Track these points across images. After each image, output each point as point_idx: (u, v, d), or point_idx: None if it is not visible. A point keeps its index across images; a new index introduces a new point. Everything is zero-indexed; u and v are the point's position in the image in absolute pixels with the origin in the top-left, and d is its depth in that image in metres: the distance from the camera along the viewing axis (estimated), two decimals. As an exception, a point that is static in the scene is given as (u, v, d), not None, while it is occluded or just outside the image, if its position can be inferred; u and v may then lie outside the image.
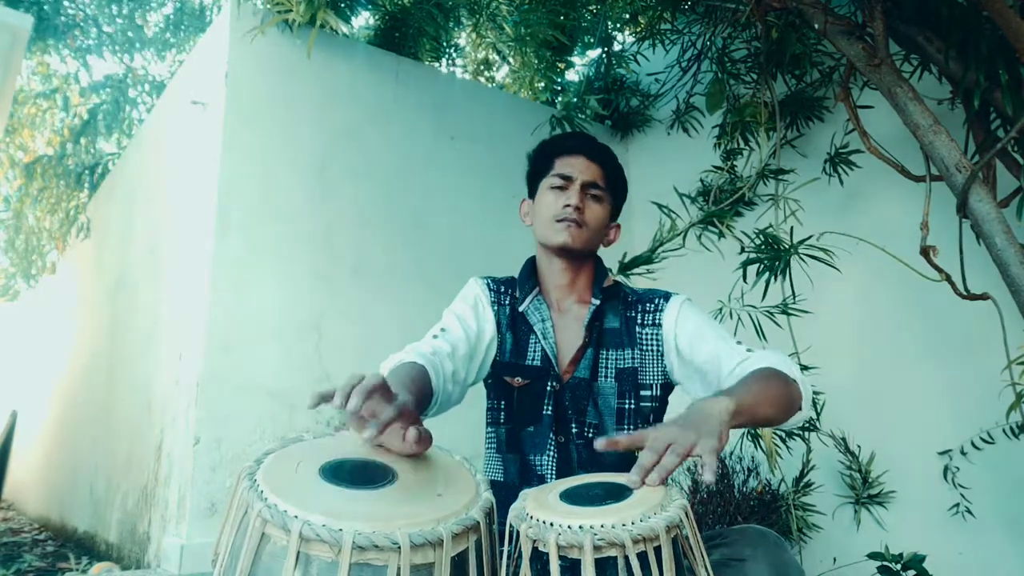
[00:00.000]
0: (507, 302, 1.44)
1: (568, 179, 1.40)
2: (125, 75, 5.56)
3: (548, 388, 1.36)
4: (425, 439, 0.94)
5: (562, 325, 1.41)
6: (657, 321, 1.39)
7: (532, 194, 1.49)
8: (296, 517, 0.76)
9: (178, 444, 2.64)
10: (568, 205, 1.37)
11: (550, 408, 1.36)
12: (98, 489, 3.76)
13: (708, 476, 0.91)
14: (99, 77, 5.71)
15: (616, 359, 1.39)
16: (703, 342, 1.34)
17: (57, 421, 5.30)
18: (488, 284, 1.45)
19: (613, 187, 1.45)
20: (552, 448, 1.34)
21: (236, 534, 0.83)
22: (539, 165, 1.47)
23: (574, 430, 1.35)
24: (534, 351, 1.40)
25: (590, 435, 1.34)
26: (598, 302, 1.40)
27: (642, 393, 1.37)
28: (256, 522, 0.79)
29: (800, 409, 1.22)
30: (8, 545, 4.19)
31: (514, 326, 1.42)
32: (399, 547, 0.76)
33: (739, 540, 1.14)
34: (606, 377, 1.37)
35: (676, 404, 1.44)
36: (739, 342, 1.32)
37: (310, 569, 0.76)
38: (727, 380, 1.26)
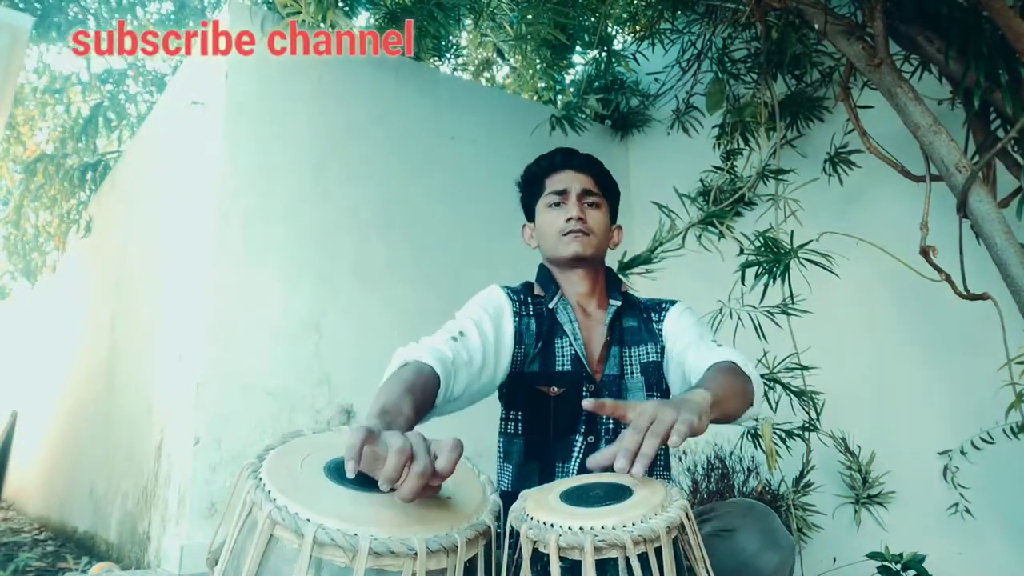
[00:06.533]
0: (529, 311, 1.42)
1: (563, 193, 1.45)
2: (126, 70, 5.55)
3: (584, 393, 1.37)
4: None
5: (587, 326, 1.44)
6: (662, 319, 1.47)
7: (531, 218, 1.52)
8: (309, 520, 0.75)
9: (178, 444, 2.64)
10: (571, 218, 1.42)
11: (585, 412, 1.35)
12: (98, 489, 3.76)
13: (674, 439, 0.92)
14: (99, 71, 5.66)
15: (639, 355, 1.44)
16: (684, 335, 1.40)
17: (57, 421, 5.30)
18: (509, 294, 1.43)
19: (606, 191, 1.50)
20: (579, 451, 1.35)
21: (239, 534, 0.80)
22: (531, 188, 1.51)
23: (611, 426, 1.36)
24: (562, 356, 1.40)
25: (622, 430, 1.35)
26: (618, 303, 1.45)
27: (663, 386, 1.43)
28: (265, 524, 0.76)
29: (752, 404, 1.25)
30: (8, 545, 4.19)
31: (539, 334, 1.41)
32: (415, 553, 0.75)
33: (729, 512, 1.18)
34: (632, 373, 1.42)
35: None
36: (714, 340, 1.37)
37: (321, 574, 0.74)
38: (692, 370, 1.30)
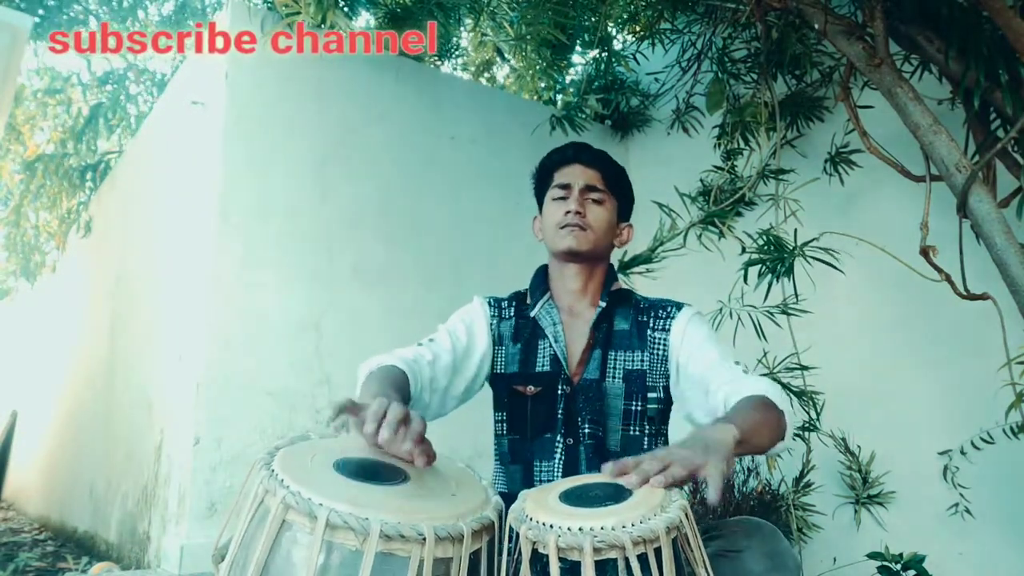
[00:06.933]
0: (511, 315, 1.47)
1: (567, 187, 1.45)
2: (126, 70, 5.55)
3: (559, 392, 1.38)
4: (431, 458, 0.96)
5: (572, 328, 1.43)
6: (667, 327, 1.40)
7: (541, 210, 1.54)
8: (321, 504, 0.76)
9: (178, 444, 2.64)
10: (569, 211, 1.41)
11: (562, 412, 1.37)
12: (98, 489, 3.76)
13: (713, 495, 0.88)
14: (100, 72, 5.67)
15: (625, 360, 1.40)
16: (702, 354, 1.35)
17: (57, 421, 5.30)
18: (489, 301, 1.49)
19: (614, 188, 1.48)
20: (560, 452, 1.35)
21: (250, 525, 0.82)
22: (541, 181, 1.53)
23: (587, 430, 1.35)
24: (543, 357, 1.41)
25: (600, 434, 1.35)
26: (604, 304, 1.43)
27: (649, 395, 1.38)
28: (277, 509, 0.78)
29: (783, 439, 1.20)
30: (8, 545, 4.19)
31: (519, 336, 1.44)
32: (424, 538, 0.77)
33: (735, 532, 1.16)
34: (614, 378, 1.38)
35: (676, 420, 1.44)
36: (737, 362, 1.32)
37: (331, 557, 0.76)
38: (715, 394, 1.25)
